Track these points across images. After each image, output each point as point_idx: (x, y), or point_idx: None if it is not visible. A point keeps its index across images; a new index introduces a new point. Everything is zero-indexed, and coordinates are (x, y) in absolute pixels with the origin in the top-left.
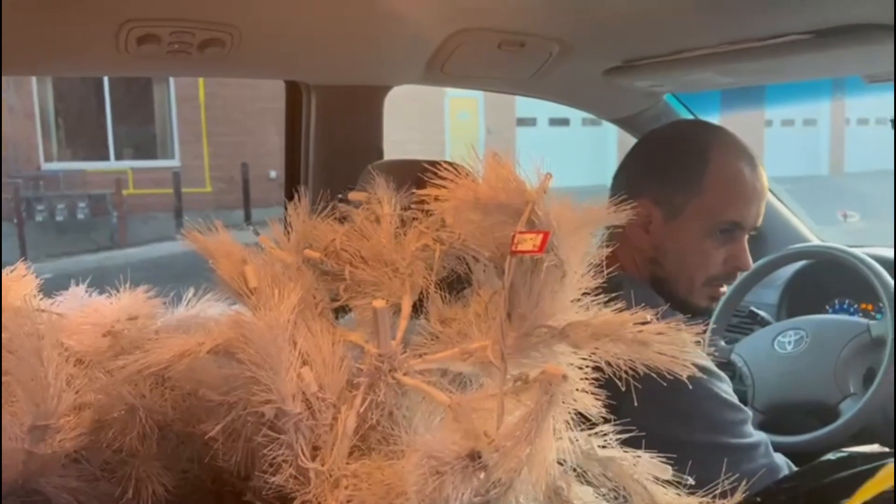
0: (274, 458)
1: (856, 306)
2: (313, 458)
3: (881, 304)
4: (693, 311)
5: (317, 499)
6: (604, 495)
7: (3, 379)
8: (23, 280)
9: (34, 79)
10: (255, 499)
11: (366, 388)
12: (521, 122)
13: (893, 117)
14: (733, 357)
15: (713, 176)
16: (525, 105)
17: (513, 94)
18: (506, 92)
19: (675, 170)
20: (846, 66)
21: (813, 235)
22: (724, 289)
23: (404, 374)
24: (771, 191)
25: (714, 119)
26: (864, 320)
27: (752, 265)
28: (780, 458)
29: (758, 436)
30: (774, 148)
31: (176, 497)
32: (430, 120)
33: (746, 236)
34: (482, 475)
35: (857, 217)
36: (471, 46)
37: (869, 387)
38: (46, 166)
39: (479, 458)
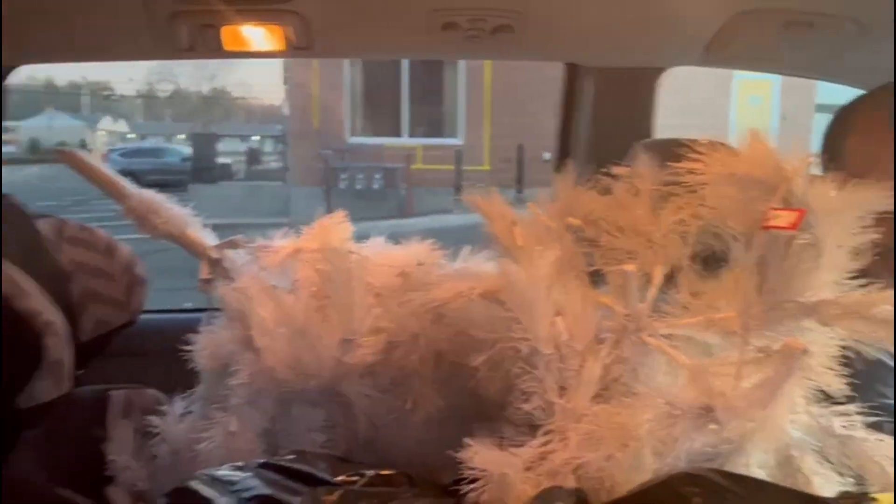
0: (526, 389)
1: None
2: (560, 397)
3: None
4: None
5: (560, 429)
6: (840, 472)
7: (323, 302)
8: (340, 226)
9: (346, 64)
10: (507, 425)
11: (611, 344)
12: (822, 108)
13: None
14: None
15: None
16: (827, 89)
17: (804, 78)
18: (795, 75)
19: None
20: None
21: None
22: None
23: (649, 336)
24: None
25: None
26: None
27: None
28: None
29: None
30: None
31: (440, 422)
32: (713, 104)
33: None
34: (713, 427)
35: None
36: (754, 28)
37: None
38: (351, 140)
39: (713, 412)
